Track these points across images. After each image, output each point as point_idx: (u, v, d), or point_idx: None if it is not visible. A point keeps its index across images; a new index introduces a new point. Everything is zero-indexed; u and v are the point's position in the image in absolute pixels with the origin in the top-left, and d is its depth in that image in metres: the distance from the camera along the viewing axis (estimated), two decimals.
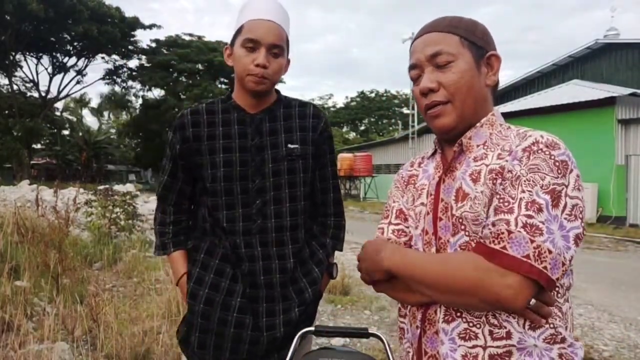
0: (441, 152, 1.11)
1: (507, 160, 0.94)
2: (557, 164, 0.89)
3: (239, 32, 1.46)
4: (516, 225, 0.85)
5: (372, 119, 52.80)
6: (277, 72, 1.46)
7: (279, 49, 1.44)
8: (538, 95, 16.88)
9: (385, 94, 52.22)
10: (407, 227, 1.10)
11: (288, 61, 1.55)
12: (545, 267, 0.83)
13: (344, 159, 24.22)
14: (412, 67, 1.07)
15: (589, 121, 14.15)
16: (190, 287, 1.50)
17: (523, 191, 0.88)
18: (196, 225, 1.61)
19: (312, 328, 1.25)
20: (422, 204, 1.07)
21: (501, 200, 0.90)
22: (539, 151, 0.91)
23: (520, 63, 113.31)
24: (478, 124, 1.03)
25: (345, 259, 6.57)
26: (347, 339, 3.28)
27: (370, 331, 1.19)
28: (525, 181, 0.89)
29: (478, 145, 1.02)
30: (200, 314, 1.47)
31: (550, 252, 0.84)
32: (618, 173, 13.52)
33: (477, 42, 1.03)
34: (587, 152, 13.79)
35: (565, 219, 0.86)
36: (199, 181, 1.54)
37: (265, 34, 1.41)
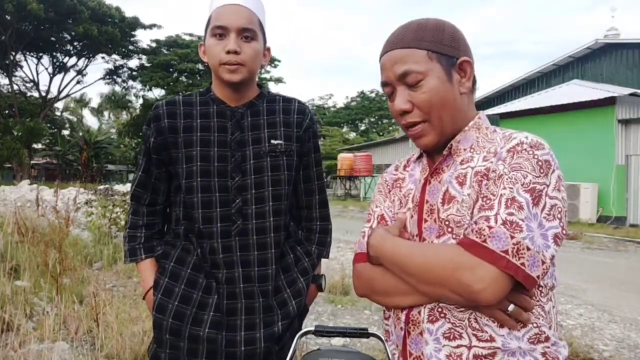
0: (427, 155, 1.10)
1: (492, 162, 0.95)
2: (540, 163, 0.90)
3: (208, 24, 1.38)
4: (496, 222, 0.86)
5: (372, 119, 52.79)
6: (252, 58, 1.35)
7: (250, 32, 1.34)
8: (538, 95, 16.87)
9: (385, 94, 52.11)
10: None
11: (268, 49, 1.45)
12: (523, 264, 0.84)
13: (344, 159, 24.24)
14: (384, 85, 1.05)
15: (589, 121, 14.16)
16: (158, 300, 1.36)
17: (504, 188, 0.89)
18: (169, 228, 1.48)
19: (311, 328, 1.25)
20: (409, 208, 1.07)
21: (484, 199, 0.91)
22: (523, 151, 0.92)
23: (520, 63, 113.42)
24: (466, 128, 1.03)
25: (345, 259, 6.57)
26: (347, 339, 3.28)
27: (370, 331, 1.19)
28: (507, 179, 0.89)
29: (465, 149, 1.02)
30: (169, 329, 1.34)
31: (528, 249, 0.84)
32: (618, 173, 13.52)
33: (446, 51, 0.99)
34: (587, 152, 13.80)
35: (544, 218, 0.87)
36: (174, 178, 1.41)
37: (233, 18, 1.32)
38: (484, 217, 0.88)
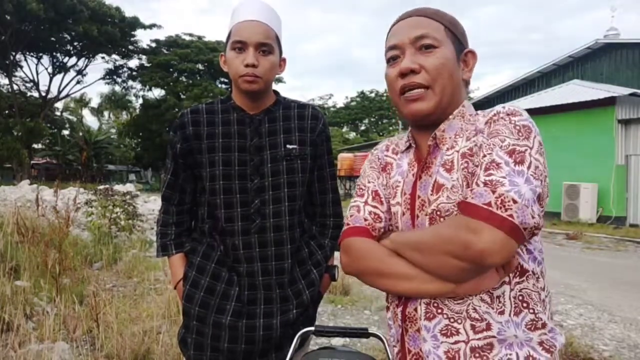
0: (415, 147, 1.09)
1: (474, 140, 0.96)
2: (517, 127, 0.91)
3: (228, 37, 1.48)
4: (477, 185, 0.87)
5: (372, 119, 52.77)
6: (269, 70, 1.46)
7: (267, 47, 1.44)
8: (538, 95, 16.86)
9: (385, 94, 52.18)
10: (383, 212, 1.07)
11: (284, 60, 1.55)
12: (510, 215, 0.82)
13: (344, 159, 24.21)
14: (391, 48, 1.05)
15: (589, 121, 14.15)
16: (186, 290, 1.51)
17: (484, 155, 0.90)
18: (196, 226, 1.61)
19: (312, 328, 1.25)
20: (398, 203, 1.06)
21: (470, 175, 0.93)
22: (500, 119, 0.94)
23: (520, 63, 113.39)
24: (450, 117, 1.03)
25: None
26: (347, 339, 3.28)
27: (370, 331, 1.19)
28: (485, 146, 0.91)
29: (450, 137, 1.02)
30: (196, 316, 1.48)
31: (514, 201, 0.82)
32: (618, 173, 13.51)
33: (459, 36, 1.05)
34: (587, 152, 13.79)
35: (531, 175, 0.86)
36: (199, 180, 1.54)
37: (252, 33, 1.43)
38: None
